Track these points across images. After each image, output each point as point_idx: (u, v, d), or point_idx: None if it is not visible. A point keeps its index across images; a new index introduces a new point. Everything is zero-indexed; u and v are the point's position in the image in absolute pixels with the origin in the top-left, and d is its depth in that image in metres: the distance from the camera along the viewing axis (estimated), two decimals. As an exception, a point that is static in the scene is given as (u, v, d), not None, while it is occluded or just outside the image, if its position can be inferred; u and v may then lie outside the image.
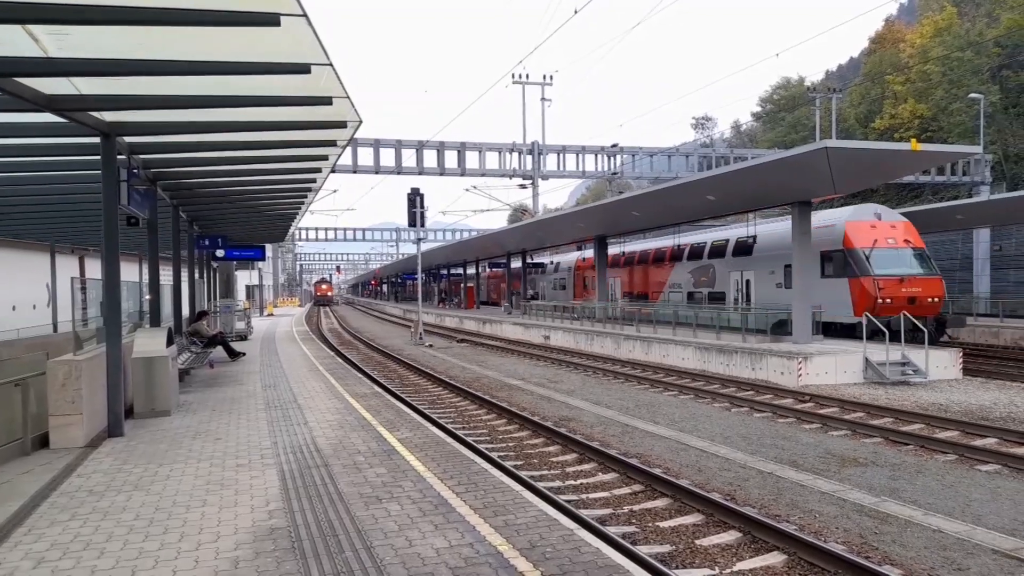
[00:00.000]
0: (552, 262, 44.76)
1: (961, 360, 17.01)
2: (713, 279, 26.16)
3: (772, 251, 22.66)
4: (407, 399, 14.31)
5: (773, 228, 23.46)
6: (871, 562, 5.93)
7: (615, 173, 39.63)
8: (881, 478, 8.67)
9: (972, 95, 39.12)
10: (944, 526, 6.88)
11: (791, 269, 19.70)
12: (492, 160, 36.58)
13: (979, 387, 15.55)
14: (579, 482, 8.80)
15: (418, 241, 31.91)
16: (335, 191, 51.98)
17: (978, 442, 10.44)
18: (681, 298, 27.83)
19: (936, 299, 19.90)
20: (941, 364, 16.76)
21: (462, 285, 56.74)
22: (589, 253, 37.92)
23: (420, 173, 35.05)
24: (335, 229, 77.13)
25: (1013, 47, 45.12)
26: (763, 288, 22.97)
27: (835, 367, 16.23)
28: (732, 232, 25.94)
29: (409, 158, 34.56)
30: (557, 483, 8.74)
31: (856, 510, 7.42)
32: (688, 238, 29.18)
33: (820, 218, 20.43)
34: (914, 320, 17.29)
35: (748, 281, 23.98)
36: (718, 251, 26.06)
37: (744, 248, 24.41)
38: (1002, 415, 12.59)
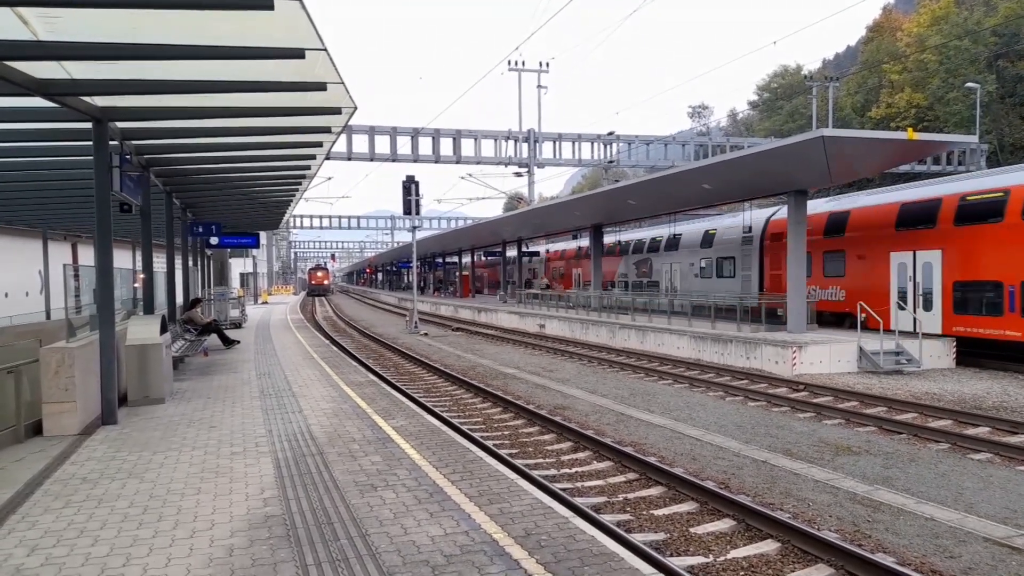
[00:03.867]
0: (691, 231, 28.49)
1: (954, 350, 17.08)
2: None
3: None
4: (402, 387, 14.30)
5: None
6: (864, 550, 5.96)
7: (611, 161, 39.53)
8: (874, 467, 8.71)
9: (969, 84, 39.12)
10: (936, 514, 6.92)
11: None
12: (488, 148, 36.49)
13: (972, 376, 15.64)
14: (574, 470, 8.82)
15: (413, 229, 31.81)
16: (330, 178, 51.52)
17: (970, 431, 10.52)
18: None
19: None
20: (935, 354, 16.84)
21: (457, 273, 56.33)
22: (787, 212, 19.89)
23: (415, 161, 34.93)
24: (330, 217, 76.92)
25: (1010, 36, 45.07)
26: None
27: (829, 356, 16.29)
28: None
29: (404, 145, 34.42)
30: (552, 471, 8.76)
31: (849, 498, 7.46)
32: None
33: None
34: None
35: None
36: None
37: None
38: (995, 404, 12.67)
